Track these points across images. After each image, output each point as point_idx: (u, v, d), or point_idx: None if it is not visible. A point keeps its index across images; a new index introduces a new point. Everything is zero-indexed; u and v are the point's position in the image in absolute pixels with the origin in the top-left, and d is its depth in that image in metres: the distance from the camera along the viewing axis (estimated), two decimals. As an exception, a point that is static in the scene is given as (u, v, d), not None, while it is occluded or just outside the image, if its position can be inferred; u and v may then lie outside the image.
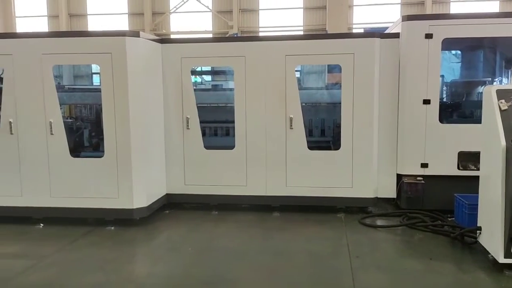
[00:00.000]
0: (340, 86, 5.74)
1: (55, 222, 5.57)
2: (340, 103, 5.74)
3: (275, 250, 4.73)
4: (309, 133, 6.40)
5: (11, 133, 5.42)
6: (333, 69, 6.65)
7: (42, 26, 22.13)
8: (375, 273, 4.15)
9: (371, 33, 5.83)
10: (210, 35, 20.85)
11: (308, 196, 5.80)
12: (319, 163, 5.78)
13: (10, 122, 5.41)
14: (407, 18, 5.70)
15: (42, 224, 5.55)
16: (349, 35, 6.98)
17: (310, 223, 5.56)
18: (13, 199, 5.50)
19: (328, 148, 6.32)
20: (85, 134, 6.36)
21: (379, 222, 5.63)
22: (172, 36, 20.31)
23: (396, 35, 5.76)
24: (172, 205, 6.18)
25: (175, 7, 21.68)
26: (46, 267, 4.36)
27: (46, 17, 22.35)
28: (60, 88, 6.16)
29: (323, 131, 6.63)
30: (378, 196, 5.94)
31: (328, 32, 17.08)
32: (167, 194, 6.08)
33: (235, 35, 18.88)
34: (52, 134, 5.38)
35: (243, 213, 6.02)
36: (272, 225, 5.55)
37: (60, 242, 4.99)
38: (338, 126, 6.04)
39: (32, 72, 5.33)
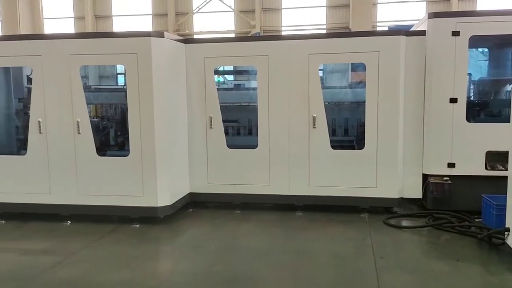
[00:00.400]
0: (364, 84, 5.69)
1: (81, 219, 5.69)
2: (364, 102, 5.69)
3: (298, 249, 4.71)
4: (332, 132, 6.36)
5: (40, 132, 5.56)
6: (357, 67, 6.58)
7: (69, 27, 22.62)
8: (400, 274, 4.09)
9: (396, 31, 5.74)
10: (232, 35, 20.93)
11: (331, 196, 5.76)
12: (342, 163, 5.74)
13: (39, 122, 5.55)
14: (434, 15, 5.60)
15: (69, 221, 5.68)
16: (374, 33, 6.92)
17: (334, 223, 5.52)
18: (42, 196, 5.64)
19: (351, 147, 6.27)
20: (111, 133, 6.47)
21: (404, 222, 5.55)
22: (195, 36, 20.47)
23: (422, 33, 5.67)
24: (195, 203, 6.23)
25: (198, 7, 21.83)
26: (74, 263, 4.47)
27: (73, 19, 22.84)
28: (86, 88, 6.29)
29: (347, 130, 6.57)
30: (403, 197, 5.86)
31: (352, 31, 16.91)
32: (190, 193, 6.14)
33: (257, 35, 18.88)
34: (79, 133, 5.50)
35: (266, 212, 6.02)
36: (295, 224, 5.54)
37: (87, 239, 5.10)
38: (362, 125, 5.99)
39: (60, 73, 5.45)
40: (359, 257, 4.49)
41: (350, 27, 19.30)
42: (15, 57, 5.63)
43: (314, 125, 5.70)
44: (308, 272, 4.18)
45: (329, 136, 5.77)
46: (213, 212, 6.10)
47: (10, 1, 15.02)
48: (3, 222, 5.74)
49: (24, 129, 6.15)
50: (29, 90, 6.05)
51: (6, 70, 6.13)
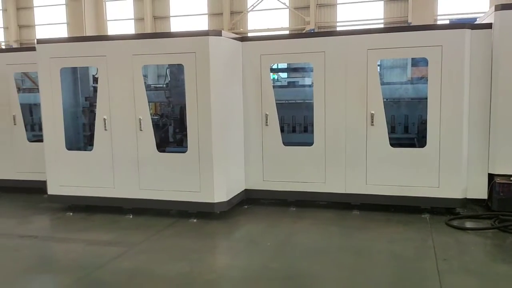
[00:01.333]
0: (426, 80, 5.47)
1: (142, 213, 5.92)
2: (425, 98, 5.48)
3: (356, 249, 4.64)
4: (391, 129, 6.18)
5: (105, 129, 5.83)
6: (418, 62, 6.35)
7: (129, 28, 23.57)
8: (464, 277, 3.93)
9: (460, 24, 5.48)
10: (286, 32, 20.88)
11: (390, 195, 5.61)
12: (402, 161, 5.56)
13: (104, 119, 5.82)
14: (501, 7, 5.29)
15: (131, 215, 5.92)
16: (437, 27, 6.64)
17: (392, 223, 5.37)
18: (107, 190, 5.92)
19: (412, 145, 6.07)
20: (170, 131, 6.67)
21: (468, 224, 5.30)
22: (249, 35, 20.62)
23: (488, 26, 5.38)
24: (250, 200, 6.29)
25: (252, 5, 21.98)
26: (136, 254, 4.66)
27: (133, 20, 23.76)
28: (146, 87, 6.52)
29: (407, 128, 6.37)
30: (467, 197, 5.59)
31: (412, 24, 16.33)
32: (245, 189, 6.20)
33: (312, 31, 18.72)
34: (141, 130, 5.71)
35: (321, 210, 5.97)
36: (351, 223, 5.45)
37: (147, 231, 5.30)
38: (423, 123, 5.77)
39: (124, 72, 5.69)
40: (420, 258, 4.34)
41: (409, 21, 18.64)
42: (82, 57, 5.94)
43: (372, 122, 5.57)
44: (367, 272, 4.10)
45: (388, 133, 5.62)
46: (268, 209, 6.13)
47: (76, 5, 15.93)
48: (71, 214, 6.09)
49: (90, 126, 6.49)
50: (95, 89, 6.37)
51: (74, 70, 6.48)
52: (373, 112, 5.56)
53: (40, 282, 4.21)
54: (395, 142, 5.76)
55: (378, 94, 5.56)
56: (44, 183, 6.22)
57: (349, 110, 5.67)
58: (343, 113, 5.69)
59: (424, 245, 4.67)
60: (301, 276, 4.04)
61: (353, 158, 5.71)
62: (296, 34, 6.56)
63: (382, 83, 6.11)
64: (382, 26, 19.74)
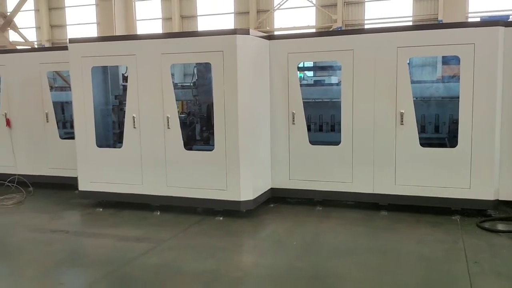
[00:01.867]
0: (457, 79, 5.34)
1: (169, 210, 5.99)
2: (457, 97, 5.35)
3: (384, 250, 4.57)
4: (421, 129, 6.06)
5: (134, 127, 5.93)
6: (450, 60, 6.20)
7: (157, 28, 23.89)
8: (496, 281, 3.83)
9: (494, 21, 5.32)
10: (313, 31, 20.75)
11: (419, 196, 5.50)
12: (432, 161, 5.45)
13: (134, 117, 5.91)
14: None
15: (158, 211, 6.00)
16: (470, 24, 6.45)
17: (422, 225, 5.28)
18: (135, 187, 6.02)
19: (443, 145, 5.93)
20: (197, 129, 6.72)
21: (500, 226, 5.17)
22: (275, 33, 20.59)
23: (523, 23, 5.20)
24: (276, 199, 6.28)
25: (279, 3, 21.94)
26: (164, 250, 4.73)
27: (161, 20, 24.07)
28: (173, 85, 6.59)
29: (437, 127, 6.23)
30: (500, 199, 5.43)
31: (443, 22, 15.98)
32: (271, 188, 6.19)
33: (339, 29, 18.55)
34: (169, 128, 5.78)
35: (348, 210, 5.92)
36: (379, 224, 5.38)
37: (175, 228, 5.36)
38: (454, 122, 5.64)
39: (153, 71, 5.76)
40: (450, 261, 4.24)
41: (439, 19, 18.24)
42: (113, 56, 6.05)
43: (402, 121, 5.48)
44: (395, 273, 4.04)
45: (418, 133, 5.51)
46: (294, 208, 6.12)
47: (106, 5, 16.31)
48: (101, 209, 6.22)
49: (119, 124, 6.60)
50: (124, 87, 6.47)
51: (104, 69, 6.60)
52: (402, 111, 5.47)
53: (71, 276, 4.33)
54: (425, 142, 5.64)
55: (408, 93, 5.46)
56: (75, 179, 6.38)
57: (377, 108, 5.59)
58: (372, 111, 5.62)
59: (454, 247, 4.57)
60: (328, 276, 4.02)
61: (381, 157, 5.63)
62: (324, 32, 6.54)
63: (412, 82, 6.00)
64: (411, 24, 19.38)
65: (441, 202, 5.47)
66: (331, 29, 19.24)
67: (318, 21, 21.40)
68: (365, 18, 20.71)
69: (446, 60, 6.37)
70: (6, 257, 4.79)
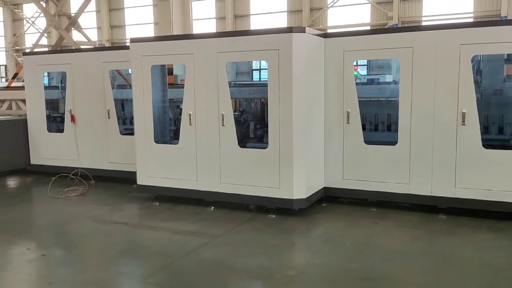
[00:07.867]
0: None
1: (222, 206, 6.09)
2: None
3: (442, 254, 4.41)
4: (484, 130, 5.78)
5: (190, 124, 6.07)
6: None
7: (211, 27, 24.31)
8: None
9: None
10: (368, 28, 20.30)
11: (481, 200, 5.26)
12: (496, 164, 5.19)
13: (190, 114, 6.06)
14: None
15: (212, 207, 6.12)
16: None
17: (483, 230, 5.04)
18: (190, 182, 6.16)
19: (508, 147, 5.63)
20: (251, 126, 6.78)
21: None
22: (329, 31, 20.36)
23: None
24: (329, 198, 6.21)
25: (332, 1, 21.66)
26: (217, 246, 4.81)
27: (215, 19, 24.49)
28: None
29: (502, 128, 5.92)
30: None
31: (508, 18, 15.14)
32: (324, 187, 6.14)
33: (395, 26, 18.03)
34: (223, 125, 5.87)
35: (404, 212, 5.75)
36: (437, 227, 5.19)
37: (228, 225, 5.44)
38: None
39: (209, 69, 5.87)
40: (515, 269, 4.03)
41: (502, 15, 17.29)
42: (171, 55, 6.23)
43: (464, 121, 5.25)
44: (455, 280, 3.89)
45: (481, 134, 5.26)
46: (348, 208, 6.03)
47: (164, 5, 16.88)
48: (157, 204, 6.42)
49: (175, 121, 6.78)
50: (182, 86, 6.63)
51: (162, 67, 6.81)
52: (464, 111, 5.24)
53: (130, 266, 4.51)
54: (489, 144, 5.38)
55: (471, 92, 5.23)
56: (133, 173, 6.63)
57: (437, 108, 5.39)
58: (431, 111, 5.42)
59: (519, 255, 4.34)
60: (382, 279, 3.94)
61: (441, 159, 5.43)
62: (381, 29, 6.39)
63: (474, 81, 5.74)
64: (471, 20, 18.51)
65: (505, 207, 5.19)
66: (386, 27, 18.75)
67: (373, 19, 20.93)
68: (423, 15, 20.01)
69: (511, 58, 6.03)
70: (73, 246, 5.08)
